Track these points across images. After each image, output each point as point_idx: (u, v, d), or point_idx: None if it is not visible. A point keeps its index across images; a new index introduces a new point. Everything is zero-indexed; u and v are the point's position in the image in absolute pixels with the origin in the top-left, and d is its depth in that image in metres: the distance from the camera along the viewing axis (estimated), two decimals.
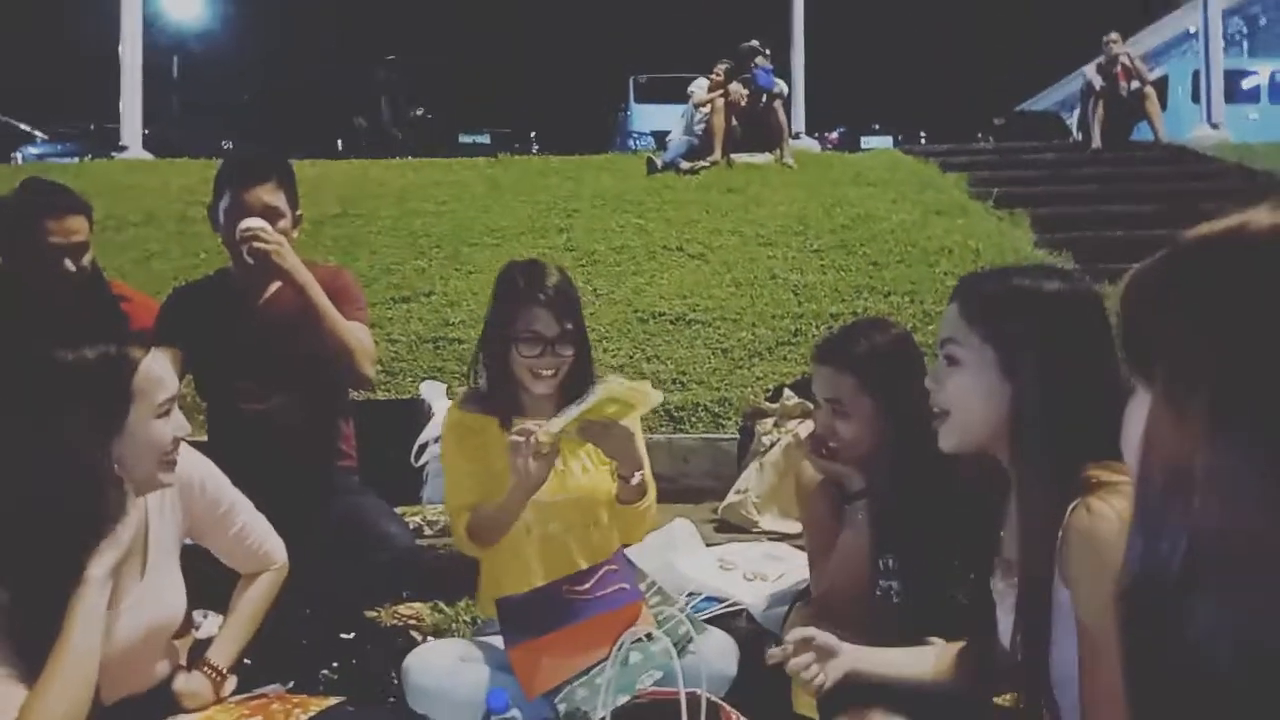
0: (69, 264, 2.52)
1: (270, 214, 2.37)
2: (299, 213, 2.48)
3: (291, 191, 2.46)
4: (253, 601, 1.89)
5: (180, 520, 1.78)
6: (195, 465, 1.80)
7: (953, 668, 1.59)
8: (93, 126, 14.87)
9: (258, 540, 1.91)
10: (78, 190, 2.65)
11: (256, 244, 2.27)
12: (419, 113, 13.97)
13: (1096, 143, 8.77)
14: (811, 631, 1.55)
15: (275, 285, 2.47)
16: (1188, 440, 0.64)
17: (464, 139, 12.69)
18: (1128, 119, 9.09)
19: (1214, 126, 10.54)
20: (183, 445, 1.68)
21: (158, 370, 1.60)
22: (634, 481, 2.05)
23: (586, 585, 1.94)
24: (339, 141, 13.74)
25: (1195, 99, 12.01)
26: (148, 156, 9.29)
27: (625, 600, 1.93)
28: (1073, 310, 1.37)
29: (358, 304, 2.49)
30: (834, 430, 1.94)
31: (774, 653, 1.57)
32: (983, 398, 1.37)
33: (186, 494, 1.78)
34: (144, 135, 9.68)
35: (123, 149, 9.45)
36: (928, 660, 1.62)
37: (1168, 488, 0.66)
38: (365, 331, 2.46)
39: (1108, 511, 1.17)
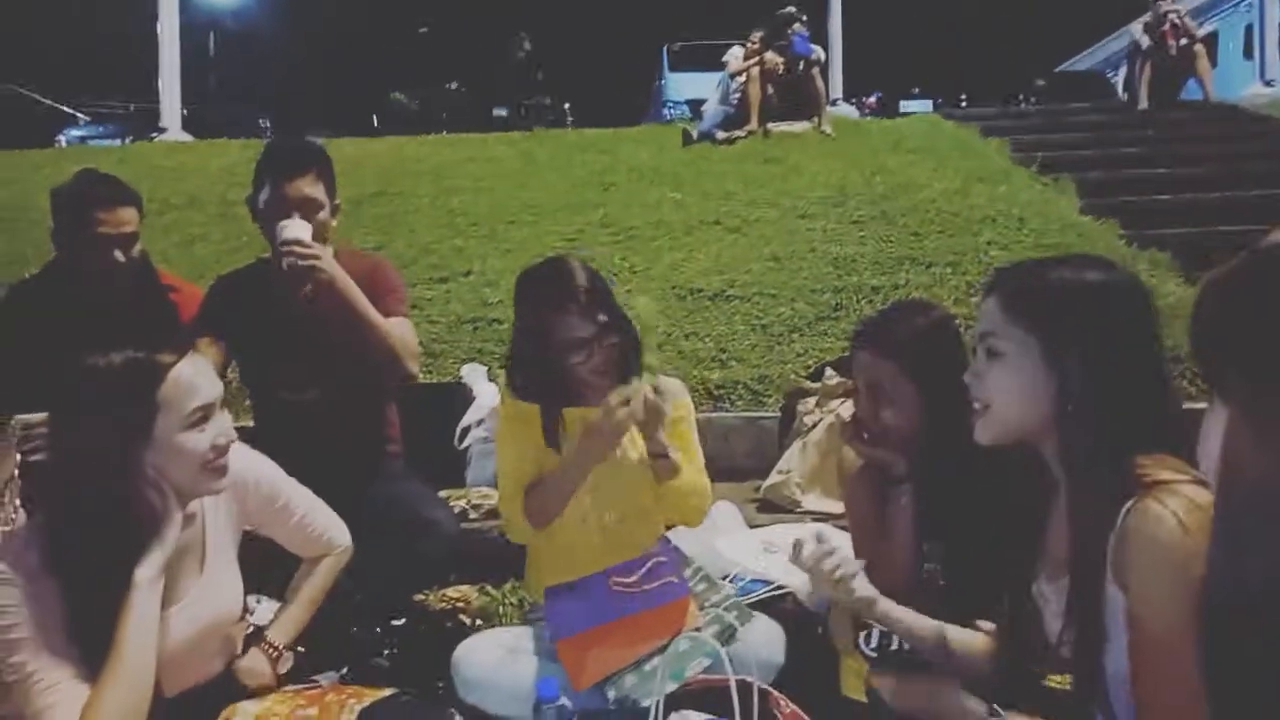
0: (119, 255, 2.56)
1: (309, 205, 2.38)
2: (337, 201, 2.49)
3: (330, 181, 2.46)
4: (314, 585, 1.93)
5: (236, 518, 1.81)
6: (248, 463, 1.82)
7: (976, 649, 1.58)
8: (132, 107, 15.06)
9: (320, 527, 1.94)
10: (123, 177, 2.68)
11: (295, 258, 2.28)
12: (453, 85, 13.95)
13: (1143, 103, 8.53)
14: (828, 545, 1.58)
15: None
16: (1271, 459, 0.63)
17: (498, 112, 12.63)
18: (1176, 78, 8.82)
19: (1268, 84, 10.21)
20: (234, 444, 1.69)
21: (188, 377, 1.57)
22: (667, 458, 2.07)
23: (634, 578, 1.94)
24: (374, 117, 13.79)
25: (1248, 55, 11.65)
26: (187, 138, 9.39)
27: (673, 595, 1.94)
28: (1117, 301, 1.35)
29: (398, 295, 2.50)
30: (875, 415, 1.92)
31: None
32: (1026, 391, 1.36)
33: (240, 493, 1.81)
34: (182, 116, 9.79)
35: (162, 130, 9.55)
36: (946, 630, 1.62)
37: (1253, 506, 0.65)
38: (408, 326, 2.47)
39: (1165, 515, 1.16)
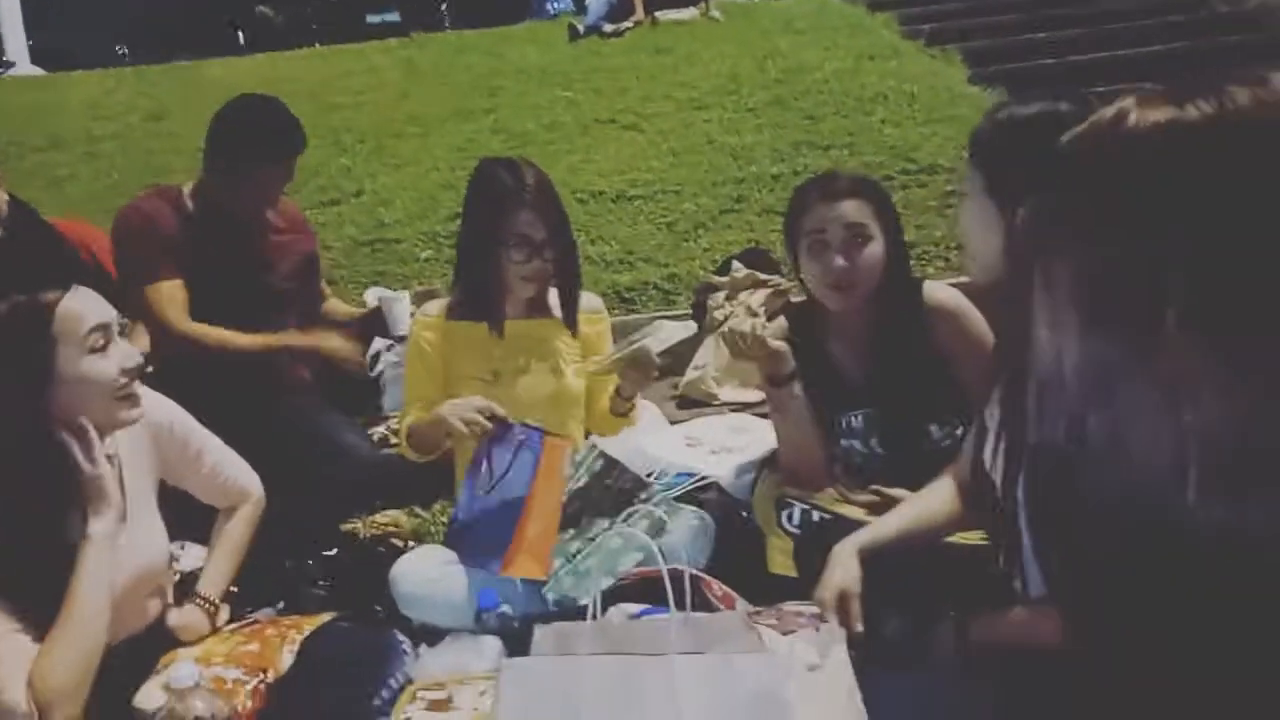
0: None
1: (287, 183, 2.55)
2: None
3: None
4: (232, 535, 1.91)
5: (154, 464, 1.78)
6: (163, 408, 1.79)
7: (945, 511, 1.65)
8: None
9: (231, 476, 1.91)
10: None
11: None
12: None
13: None
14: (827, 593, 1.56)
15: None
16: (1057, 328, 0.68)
17: (372, 19, 12.05)
18: None
19: None
20: (146, 390, 1.66)
21: (78, 306, 1.54)
22: (631, 401, 2.15)
23: (507, 461, 1.97)
24: (240, 34, 13.01)
25: None
26: (39, 71, 8.73)
27: (539, 435, 1.99)
28: (1054, 125, 1.38)
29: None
30: (854, 261, 1.95)
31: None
32: (982, 224, 1.41)
33: (157, 437, 1.78)
34: (29, 47, 9.08)
35: (9, 65, 8.86)
36: (927, 503, 1.67)
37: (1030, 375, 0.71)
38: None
39: None
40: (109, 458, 1.61)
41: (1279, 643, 0.62)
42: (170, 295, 2.44)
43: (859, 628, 1.50)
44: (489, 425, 1.96)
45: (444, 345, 2.17)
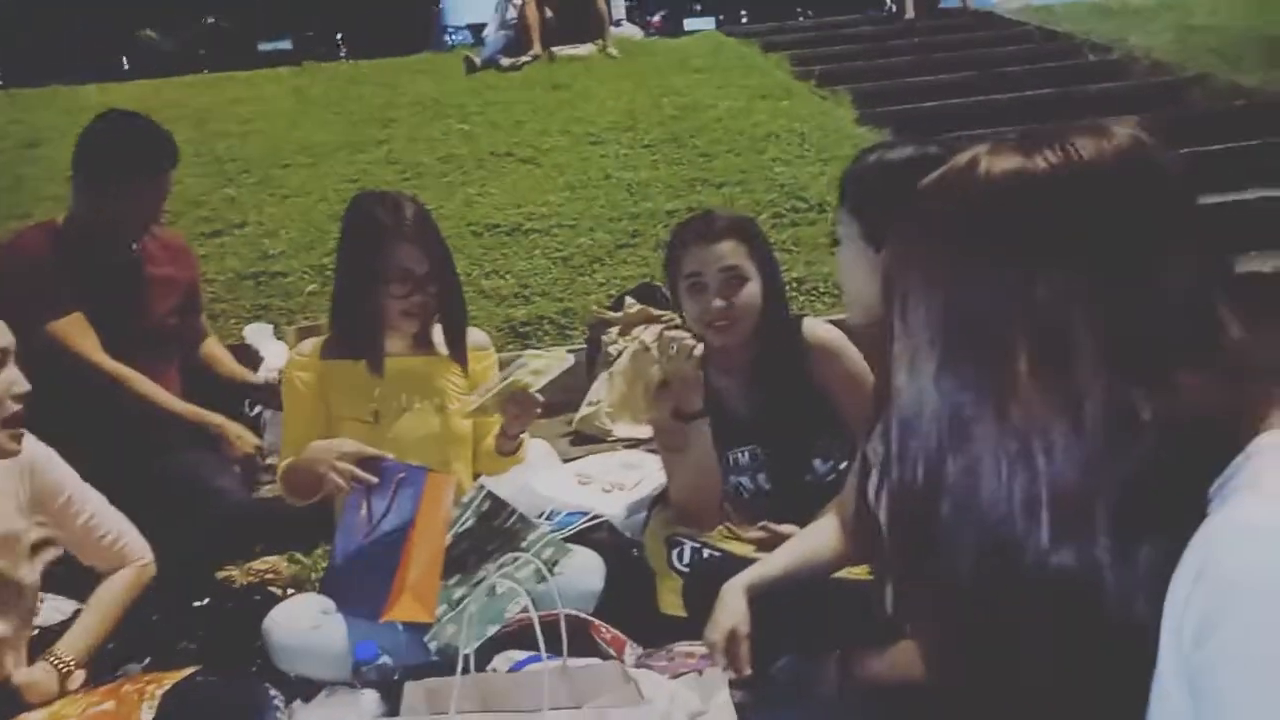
0: None
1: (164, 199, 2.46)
2: None
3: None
4: (103, 597, 1.79)
5: (19, 502, 1.66)
6: (30, 447, 1.68)
7: (830, 546, 1.66)
8: None
9: (112, 535, 1.80)
10: None
11: None
12: (211, 20, 12.87)
13: (910, 12, 8.96)
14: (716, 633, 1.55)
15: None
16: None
17: (264, 47, 11.77)
18: None
19: None
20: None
21: None
22: (517, 439, 2.11)
23: (386, 501, 1.91)
24: (124, 59, 12.55)
25: None
26: None
27: (423, 473, 1.93)
28: (918, 169, 1.42)
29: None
30: (731, 301, 1.98)
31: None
32: (859, 268, 1.44)
33: (21, 474, 1.68)
34: None
35: None
36: (813, 540, 1.69)
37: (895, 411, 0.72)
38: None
39: None
40: None
41: (1124, 682, 0.63)
42: (80, 329, 2.34)
43: (748, 671, 1.49)
44: (359, 473, 1.90)
45: (320, 385, 2.09)
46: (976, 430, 0.66)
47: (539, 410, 2.06)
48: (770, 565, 1.65)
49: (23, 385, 1.55)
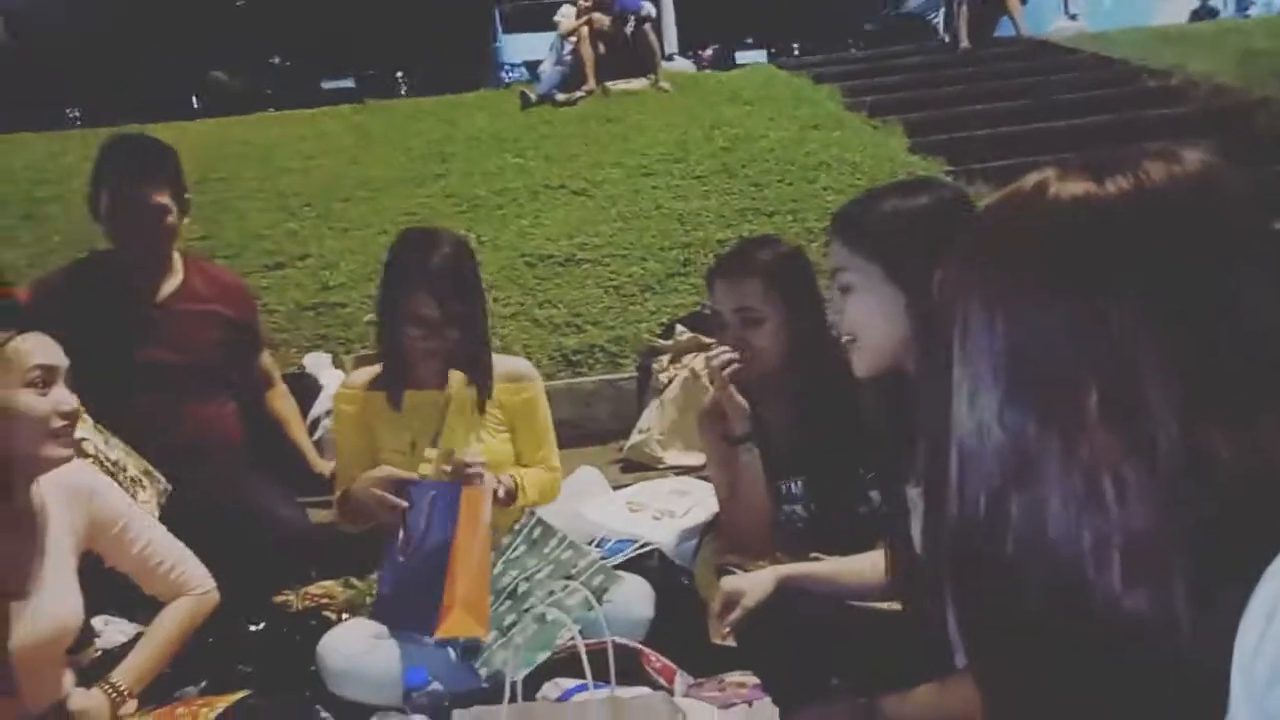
0: None
1: (160, 211, 2.35)
2: (188, 196, 2.46)
3: (179, 177, 2.43)
4: (164, 626, 1.79)
5: (74, 528, 1.70)
6: (83, 473, 1.74)
7: (875, 573, 1.64)
8: None
9: (168, 564, 1.81)
10: None
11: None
12: (276, 60, 13.29)
13: (964, 42, 8.90)
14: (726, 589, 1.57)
15: (172, 280, 2.46)
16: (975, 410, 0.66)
17: (327, 85, 12.12)
18: (991, 16, 9.24)
19: (1072, 17, 10.85)
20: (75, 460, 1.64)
21: (27, 344, 1.55)
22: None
23: (422, 520, 1.93)
24: (194, 99, 13.01)
25: None
26: None
27: (456, 489, 1.94)
28: (945, 212, 1.40)
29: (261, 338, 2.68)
30: (746, 342, 1.97)
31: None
32: (882, 315, 1.41)
33: (74, 500, 1.71)
34: None
35: None
36: (851, 565, 1.68)
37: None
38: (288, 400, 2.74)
39: None
40: (33, 510, 1.58)
41: None
42: None
43: (727, 637, 1.51)
44: (387, 497, 1.92)
45: (362, 415, 2.14)
46: (1043, 468, 0.63)
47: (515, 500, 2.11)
48: (813, 567, 1.66)
49: (70, 403, 1.59)
